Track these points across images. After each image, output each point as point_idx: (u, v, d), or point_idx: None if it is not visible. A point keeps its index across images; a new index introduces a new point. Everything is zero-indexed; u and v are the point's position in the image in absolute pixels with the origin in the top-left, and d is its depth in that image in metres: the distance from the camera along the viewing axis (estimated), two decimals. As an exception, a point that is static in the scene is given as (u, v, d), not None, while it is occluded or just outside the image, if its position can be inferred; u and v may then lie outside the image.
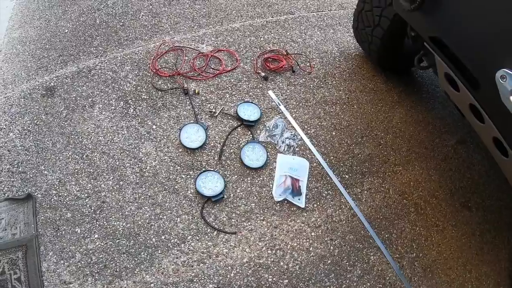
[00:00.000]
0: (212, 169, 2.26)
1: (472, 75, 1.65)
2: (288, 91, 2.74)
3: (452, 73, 1.79)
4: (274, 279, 1.95)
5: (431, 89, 2.97)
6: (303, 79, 2.84)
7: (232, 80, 2.74)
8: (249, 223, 2.12)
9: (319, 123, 2.59)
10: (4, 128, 2.37)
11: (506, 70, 1.41)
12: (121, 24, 3.08)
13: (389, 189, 2.37)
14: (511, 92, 1.41)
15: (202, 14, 3.25)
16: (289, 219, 2.16)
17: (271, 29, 3.17)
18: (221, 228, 2.09)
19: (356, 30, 2.84)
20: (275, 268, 1.99)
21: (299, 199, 2.21)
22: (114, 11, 3.20)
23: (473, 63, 1.63)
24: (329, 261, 2.05)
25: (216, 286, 1.90)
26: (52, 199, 2.10)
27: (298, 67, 2.90)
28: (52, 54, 2.81)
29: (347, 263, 2.06)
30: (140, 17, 3.16)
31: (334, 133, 2.56)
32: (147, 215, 2.09)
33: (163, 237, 2.02)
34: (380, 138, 2.59)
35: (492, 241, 2.28)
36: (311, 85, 2.81)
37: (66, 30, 3.00)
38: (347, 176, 2.38)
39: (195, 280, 1.91)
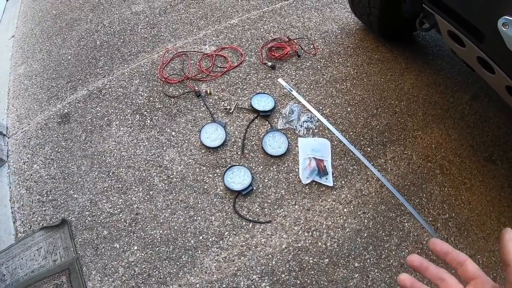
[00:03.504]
0: (237, 164, 2.29)
1: (476, 28, 1.65)
2: (297, 76, 2.76)
3: (455, 29, 1.79)
4: (314, 260, 1.98)
5: (436, 50, 2.96)
6: (309, 62, 2.85)
7: (241, 75, 2.77)
8: (282, 210, 2.14)
9: (333, 102, 2.61)
10: (27, 161, 2.42)
11: (507, 17, 1.41)
12: (121, 41, 3.12)
13: (412, 155, 2.37)
14: (516, 38, 1.42)
15: (199, 16, 3.29)
16: (320, 200, 2.18)
17: (269, 19, 3.20)
18: (256, 219, 2.11)
19: (352, 4, 2.84)
20: (314, 250, 2.01)
21: (326, 179, 2.23)
22: (112, 30, 3.24)
23: (475, 16, 1.63)
24: (365, 234, 2.07)
25: (259, 276, 1.93)
26: (87, 220, 2.15)
27: (302, 51, 2.92)
28: (60, 82, 2.86)
29: (383, 234, 2.08)
30: (138, 31, 3.20)
31: (349, 109, 2.57)
32: (182, 219, 2.13)
33: (200, 238, 2.06)
34: (395, 107, 2.59)
35: (522, 192, 2.27)
36: (319, 66, 2.83)
37: (69, 57, 3.05)
38: (369, 149, 2.39)
39: (238, 273, 1.94)
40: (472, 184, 2.27)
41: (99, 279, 1.95)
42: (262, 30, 3.10)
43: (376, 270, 1.96)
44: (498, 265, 2.00)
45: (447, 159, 2.37)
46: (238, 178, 2.22)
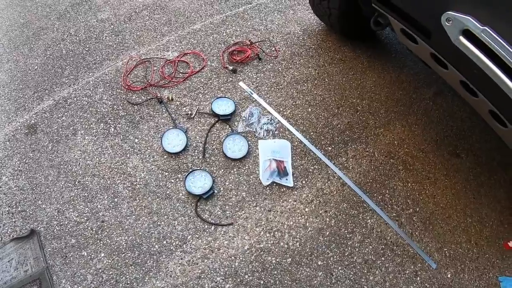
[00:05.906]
0: (198, 168, 2.32)
1: (422, 25, 1.69)
2: (258, 78, 2.79)
3: (405, 28, 1.83)
4: (277, 260, 2.01)
5: (400, 48, 3.00)
6: (270, 64, 2.88)
7: (202, 80, 2.79)
8: (243, 212, 2.17)
9: (294, 103, 2.64)
10: (-4, 173, 2.42)
11: (450, 13, 1.46)
12: (87, 49, 3.12)
13: (374, 152, 2.41)
14: (459, 32, 1.46)
15: (163, 22, 3.30)
16: (281, 200, 2.21)
17: (231, 23, 3.22)
18: (218, 221, 2.14)
19: (313, 6, 2.86)
20: (276, 250, 2.04)
21: (286, 179, 2.26)
22: (77, 38, 3.24)
23: (420, 14, 1.68)
24: (327, 233, 2.10)
25: (223, 277, 1.96)
26: (55, 230, 2.16)
27: (263, 53, 2.95)
28: (27, 92, 2.85)
29: (346, 231, 2.11)
30: (103, 39, 3.20)
31: (310, 110, 2.60)
32: (146, 224, 2.15)
33: (164, 242, 2.08)
34: (356, 105, 2.63)
35: (487, 183, 2.31)
36: (279, 68, 2.86)
37: (36, 67, 3.04)
38: (330, 148, 2.42)
39: (202, 276, 1.97)
40: (437, 178, 2.32)
41: (69, 287, 1.97)
42: (224, 34, 3.12)
43: (340, 268, 2.00)
44: (465, 257, 2.05)
45: (410, 155, 2.41)
46: (199, 182, 2.24)
